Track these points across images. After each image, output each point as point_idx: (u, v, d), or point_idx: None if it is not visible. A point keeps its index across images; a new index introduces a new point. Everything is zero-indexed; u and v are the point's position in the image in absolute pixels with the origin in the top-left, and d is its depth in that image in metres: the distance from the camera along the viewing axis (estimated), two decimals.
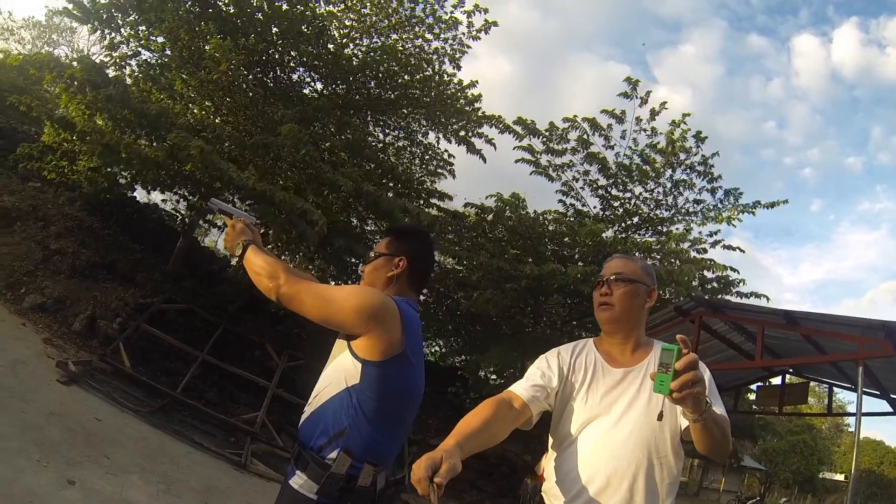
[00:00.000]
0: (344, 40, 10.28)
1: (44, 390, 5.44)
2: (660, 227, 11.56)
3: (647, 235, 11.52)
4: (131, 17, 9.16)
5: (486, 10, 10.18)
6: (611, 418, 1.64)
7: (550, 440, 1.79)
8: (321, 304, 1.71)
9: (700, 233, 11.36)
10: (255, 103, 9.37)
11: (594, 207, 11.95)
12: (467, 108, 10.74)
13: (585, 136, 11.46)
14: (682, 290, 9.01)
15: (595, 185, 11.77)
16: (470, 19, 10.29)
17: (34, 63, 9.11)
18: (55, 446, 4.39)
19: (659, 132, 11.37)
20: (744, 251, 11.76)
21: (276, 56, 9.68)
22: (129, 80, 9.61)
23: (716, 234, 11.34)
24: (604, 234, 10.34)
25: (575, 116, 11.48)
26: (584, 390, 1.70)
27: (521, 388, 1.71)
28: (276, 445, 7.45)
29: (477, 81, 10.72)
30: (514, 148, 11.55)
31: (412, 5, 10.30)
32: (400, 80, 10.06)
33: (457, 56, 10.62)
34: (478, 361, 10.35)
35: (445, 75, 10.66)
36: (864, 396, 6.77)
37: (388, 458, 1.74)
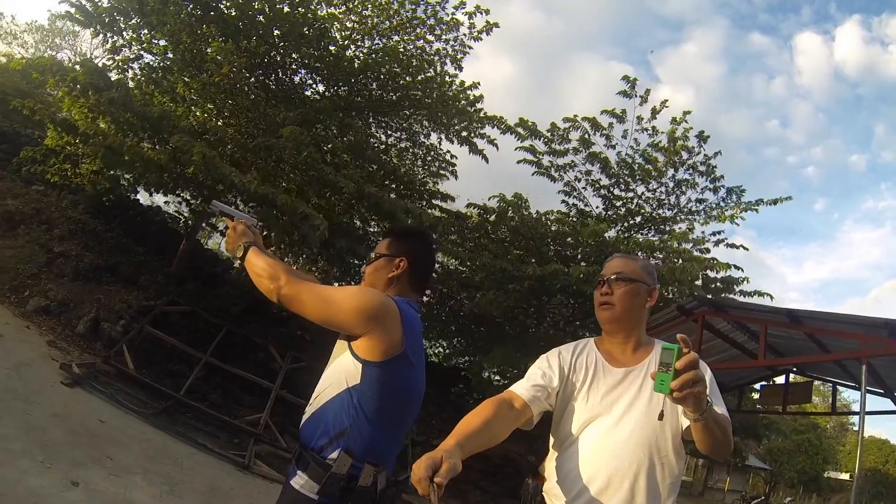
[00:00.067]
0: (345, 42, 10.30)
1: (48, 392, 5.46)
2: (662, 227, 11.55)
3: (649, 235, 11.50)
4: (133, 21, 9.21)
5: (487, 11, 10.19)
6: (612, 418, 1.64)
7: (551, 440, 1.79)
8: (321, 305, 1.71)
9: (703, 232, 11.36)
10: (257, 106, 9.39)
11: (596, 207, 11.95)
12: (469, 109, 10.75)
13: (587, 136, 11.45)
14: (685, 290, 9.00)
15: (597, 185, 11.76)
16: (471, 20, 10.31)
17: (37, 67, 9.19)
18: (59, 448, 4.40)
19: (660, 131, 11.36)
20: (748, 249, 11.81)
21: (278, 58, 9.71)
22: (131, 84, 9.65)
23: (719, 233, 11.34)
24: (606, 234, 10.32)
25: (575, 116, 11.48)
26: (585, 390, 1.70)
27: (521, 388, 1.71)
28: (279, 447, 7.46)
29: (479, 83, 10.74)
30: (515, 149, 11.57)
31: (413, 7, 10.32)
32: (402, 82, 10.06)
33: (458, 57, 10.63)
34: (481, 362, 10.34)
35: (447, 76, 10.68)
36: (868, 395, 6.75)
37: (388, 458, 1.74)
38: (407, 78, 10.06)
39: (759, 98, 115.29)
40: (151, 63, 10.01)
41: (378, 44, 10.44)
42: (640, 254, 9.42)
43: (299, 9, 8.99)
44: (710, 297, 8.81)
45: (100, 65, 9.74)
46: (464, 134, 11.03)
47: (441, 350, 14.96)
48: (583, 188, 11.88)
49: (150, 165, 7.87)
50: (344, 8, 10.40)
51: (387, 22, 10.34)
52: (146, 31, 9.31)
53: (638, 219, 11.61)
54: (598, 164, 11.50)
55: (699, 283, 9.82)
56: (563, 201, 12.01)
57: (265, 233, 7.66)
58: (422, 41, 10.51)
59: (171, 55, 9.49)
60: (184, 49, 9.03)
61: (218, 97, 9.46)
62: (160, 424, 6.30)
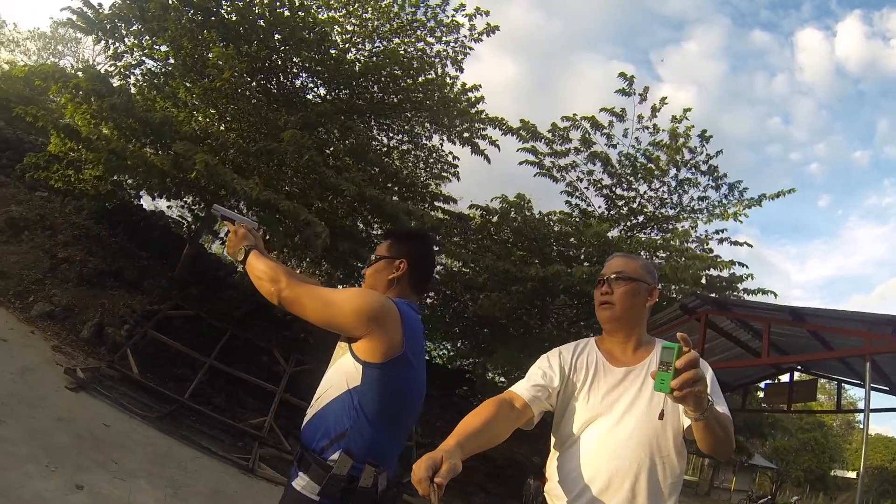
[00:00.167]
0: (346, 45, 10.34)
1: (52, 397, 5.48)
2: (665, 226, 11.54)
3: (652, 234, 11.49)
4: (135, 27, 9.27)
5: (487, 13, 10.21)
6: (612, 417, 1.63)
7: (552, 440, 1.78)
8: (321, 307, 1.72)
9: (706, 231, 11.34)
10: (258, 110, 9.42)
11: (599, 207, 11.94)
12: (470, 110, 10.75)
13: (588, 136, 11.44)
14: (688, 288, 8.98)
15: (599, 185, 11.75)
16: (471, 22, 10.33)
17: (40, 74, 9.19)
18: (64, 452, 4.42)
19: (662, 129, 11.35)
20: (751, 245, 11.74)
21: (279, 62, 9.74)
22: (133, 89, 9.71)
23: (722, 231, 11.33)
24: (609, 234, 10.32)
25: (575, 115, 11.47)
26: (586, 390, 1.70)
27: (522, 388, 1.71)
28: (283, 450, 7.46)
29: (480, 85, 10.75)
30: (517, 150, 11.57)
31: (413, 10, 10.35)
32: (403, 84, 10.08)
33: (459, 59, 10.64)
34: (485, 364, 10.33)
35: (448, 78, 10.69)
36: (873, 392, 6.73)
37: (389, 459, 1.74)
38: (408, 80, 10.07)
39: (761, 95, 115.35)
40: (153, 69, 10.06)
41: (379, 46, 10.47)
42: (642, 253, 9.41)
43: (299, 13, 9.01)
44: (712, 295, 8.79)
45: (102, 71, 9.79)
46: (466, 135, 11.04)
47: (445, 352, 14.98)
48: (585, 188, 11.89)
49: (152, 171, 7.91)
50: (344, 11, 10.44)
51: (387, 25, 10.37)
52: (147, 37, 9.36)
53: (641, 218, 11.60)
54: (600, 162, 11.49)
55: (703, 281, 9.81)
56: (567, 201, 12.02)
57: (267, 237, 7.70)
58: (422, 43, 10.55)
59: (172, 61, 9.54)
60: (185, 54, 9.07)
61: (219, 102, 9.50)
62: (164, 428, 6.31)
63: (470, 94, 10.74)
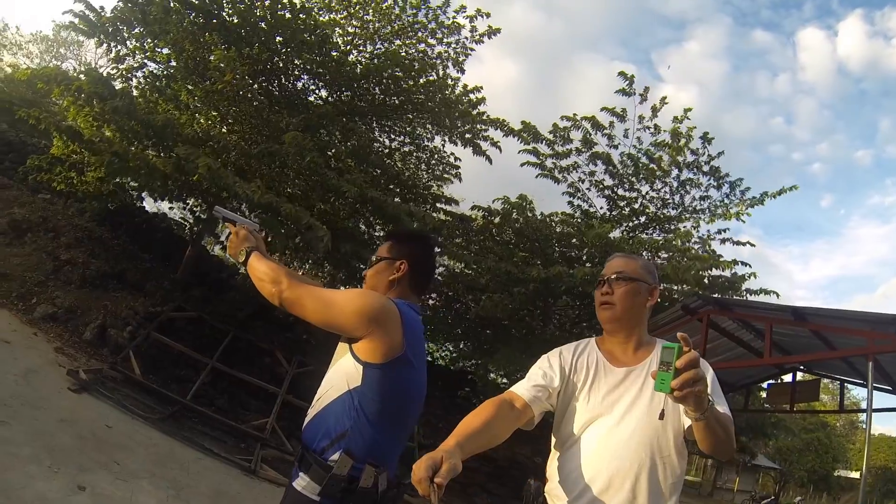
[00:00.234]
0: (347, 47, 10.34)
1: (55, 398, 5.50)
2: (667, 226, 11.52)
3: (654, 234, 11.47)
4: (136, 30, 9.28)
5: (488, 15, 10.21)
6: (613, 418, 1.64)
7: (553, 440, 1.78)
8: (322, 308, 1.73)
9: (709, 231, 11.32)
10: (260, 112, 9.43)
11: (601, 208, 11.93)
12: (472, 112, 10.76)
13: (589, 136, 11.44)
14: (690, 288, 8.97)
15: (601, 186, 11.74)
16: (472, 23, 10.33)
17: (42, 77, 9.24)
18: (66, 453, 4.43)
19: (663, 130, 11.33)
20: (754, 245, 11.71)
21: (281, 65, 9.75)
22: (135, 92, 9.73)
23: (725, 231, 11.30)
24: (611, 235, 10.30)
25: (575, 115, 11.46)
26: (586, 390, 1.70)
27: (522, 389, 1.71)
28: (285, 451, 7.47)
29: (481, 87, 10.75)
30: (519, 152, 11.57)
31: (414, 11, 10.36)
32: (404, 86, 10.08)
33: (460, 60, 10.65)
34: (487, 365, 10.31)
35: (449, 79, 10.69)
36: (876, 392, 6.71)
37: (389, 459, 1.75)
38: (409, 82, 10.08)
39: (763, 95, 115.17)
40: (155, 71, 10.08)
41: (380, 48, 10.47)
42: (644, 253, 9.40)
43: (300, 15, 9.02)
44: (714, 295, 8.79)
45: (104, 74, 9.81)
46: (467, 136, 11.05)
47: (448, 353, 14.96)
48: (587, 189, 11.87)
49: (155, 173, 7.92)
50: (345, 13, 10.45)
51: (388, 26, 10.38)
52: (149, 39, 9.38)
53: (643, 218, 11.58)
54: (602, 162, 11.47)
55: (705, 281, 9.79)
56: (569, 202, 12.01)
57: (268, 238, 7.71)
58: (423, 45, 10.54)
59: (174, 63, 9.56)
60: (187, 57, 9.09)
61: (221, 104, 9.51)
62: (167, 429, 6.33)
63: (471, 96, 10.73)
